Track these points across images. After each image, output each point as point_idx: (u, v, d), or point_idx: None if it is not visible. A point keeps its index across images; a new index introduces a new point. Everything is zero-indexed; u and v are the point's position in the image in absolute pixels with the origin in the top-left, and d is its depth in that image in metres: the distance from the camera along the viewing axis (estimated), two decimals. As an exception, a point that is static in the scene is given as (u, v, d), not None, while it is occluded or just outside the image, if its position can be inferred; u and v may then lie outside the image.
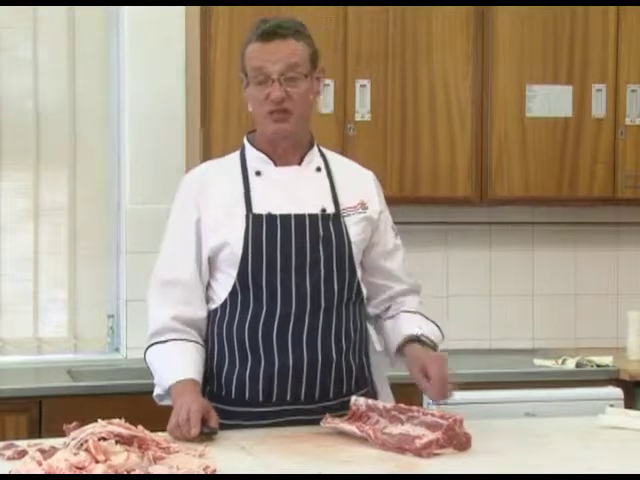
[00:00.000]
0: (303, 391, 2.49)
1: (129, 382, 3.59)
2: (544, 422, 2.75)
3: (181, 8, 4.13)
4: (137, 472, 1.95)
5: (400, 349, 2.59)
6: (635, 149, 4.25)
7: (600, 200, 4.27)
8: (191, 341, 2.53)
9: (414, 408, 2.35)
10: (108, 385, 3.63)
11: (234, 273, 2.48)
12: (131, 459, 1.98)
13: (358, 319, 2.59)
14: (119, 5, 4.18)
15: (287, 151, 2.57)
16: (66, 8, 4.18)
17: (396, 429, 2.26)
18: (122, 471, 1.94)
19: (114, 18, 4.24)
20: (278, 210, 2.50)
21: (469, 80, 4.13)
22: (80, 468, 1.93)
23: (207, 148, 3.91)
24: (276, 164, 2.57)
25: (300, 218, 2.50)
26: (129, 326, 4.12)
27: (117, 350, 4.24)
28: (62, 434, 2.12)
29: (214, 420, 2.32)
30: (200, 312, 2.55)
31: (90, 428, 2.05)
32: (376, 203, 2.63)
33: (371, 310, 2.70)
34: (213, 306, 2.55)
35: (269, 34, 2.49)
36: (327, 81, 3.98)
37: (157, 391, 2.51)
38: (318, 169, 2.59)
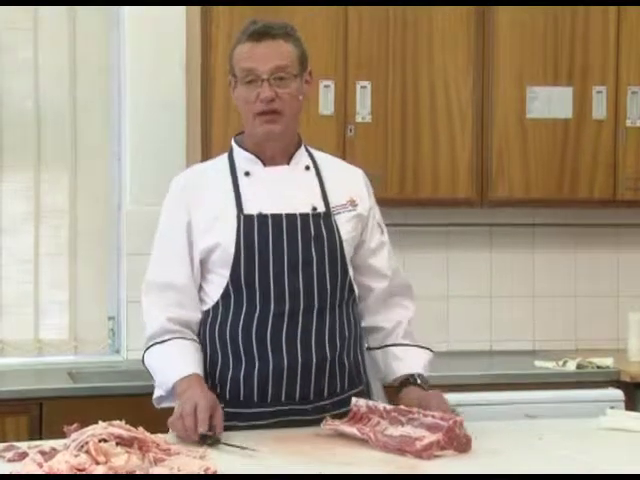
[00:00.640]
0: (298, 391, 2.49)
1: (130, 384, 3.58)
2: (545, 424, 2.74)
3: (182, 9, 4.14)
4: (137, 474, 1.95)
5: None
6: (635, 151, 4.25)
7: (600, 202, 4.27)
8: (189, 339, 2.53)
9: (414, 410, 2.34)
10: (109, 387, 3.63)
11: (227, 274, 2.48)
12: (132, 461, 1.98)
13: (352, 318, 2.59)
14: (119, 5, 4.18)
15: (276, 152, 2.57)
16: (67, 9, 4.18)
17: (397, 431, 2.26)
18: (122, 473, 1.94)
19: (115, 19, 4.24)
20: (269, 210, 2.50)
21: (469, 81, 4.13)
22: (81, 470, 1.93)
23: (208, 149, 3.91)
24: (265, 164, 2.57)
25: (291, 217, 2.51)
26: (129, 328, 4.12)
27: (117, 352, 4.24)
28: (63, 436, 2.12)
29: (219, 420, 2.31)
30: (195, 314, 2.55)
31: (90, 430, 2.05)
32: (366, 200, 2.64)
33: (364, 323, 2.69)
34: (205, 307, 2.55)
35: (259, 34, 2.50)
36: (327, 82, 3.98)
37: (158, 393, 2.51)
38: (307, 168, 2.60)
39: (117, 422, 2.11)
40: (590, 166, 4.22)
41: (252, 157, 2.57)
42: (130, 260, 4.09)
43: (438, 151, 4.11)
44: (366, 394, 2.58)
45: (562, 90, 4.19)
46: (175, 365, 2.47)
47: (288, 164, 2.59)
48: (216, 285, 2.52)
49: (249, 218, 2.50)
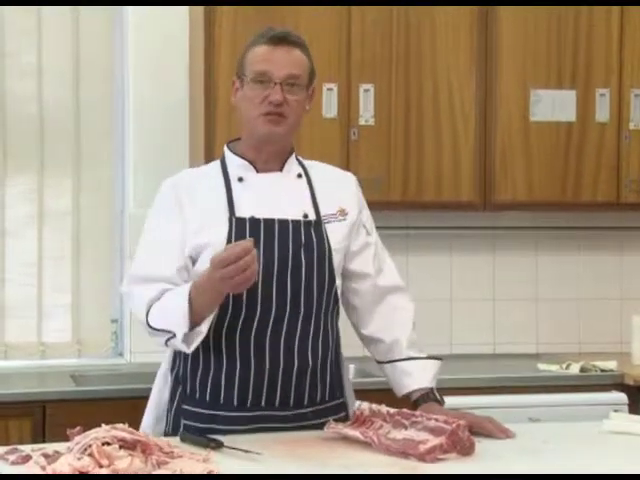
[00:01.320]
0: (278, 396, 2.48)
1: (133, 387, 3.58)
2: (548, 427, 2.75)
3: (185, 9, 4.15)
4: (141, 477, 1.96)
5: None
6: (639, 154, 4.24)
7: (604, 205, 4.27)
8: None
9: (417, 413, 2.34)
10: (112, 390, 3.64)
11: None
12: (135, 464, 1.98)
13: (335, 328, 2.59)
14: (121, 5, 4.18)
15: (270, 157, 2.57)
16: (70, 12, 4.19)
17: (400, 434, 2.26)
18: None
19: (117, 21, 4.25)
20: (261, 214, 2.50)
21: (473, 84, 4.13)
22: (84, 473, 1.93)
23: (211, 151, 3.90)
24: (257, 171, 2.58)
25: (283, 223, 2.51)
26: (133, 331, 4.13)
27: (121, 355, 4.24)
28: (66, 439, 2.12)
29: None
30: None
31: (94, 433, 2.05)
32: (355, 207, 2.63)
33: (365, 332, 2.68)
34: None
35: (278, 39, 2.51)
36: (330, 85, 3.98)
37: (180, 330, 2.39)
38: (299, 176, 2.60)
39: (120, 425, 2.11)
40: (593, 169, 4.22)
41: (245, 163, 2.57)
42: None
43: (441, 154, 4.11)
44: (345, 408, 2.59)
45: (565, 93, 4.19)
46: (179, 293, 2.40)
47: (280, 171, 2.59)
48: None
49: (241, 221, 2.50)
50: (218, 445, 2.23)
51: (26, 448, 2.15)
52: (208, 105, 3.93)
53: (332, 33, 3.95)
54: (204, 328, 2.40)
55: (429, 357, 2.64)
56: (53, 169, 4.21)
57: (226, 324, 2.46)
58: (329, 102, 3.98)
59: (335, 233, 2.56)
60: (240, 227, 2.49)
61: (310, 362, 2.51)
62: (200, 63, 3.98)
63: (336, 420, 2.44)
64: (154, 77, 4.17)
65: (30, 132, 4.18)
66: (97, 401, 3.52)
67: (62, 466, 1.95)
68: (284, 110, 2.49)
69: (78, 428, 2.13)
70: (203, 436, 2.30)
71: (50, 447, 2.12)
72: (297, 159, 2.64)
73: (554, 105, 4.18)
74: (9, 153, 4.18)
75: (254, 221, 2.50)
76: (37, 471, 1.98)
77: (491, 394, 3.77)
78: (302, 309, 2.50)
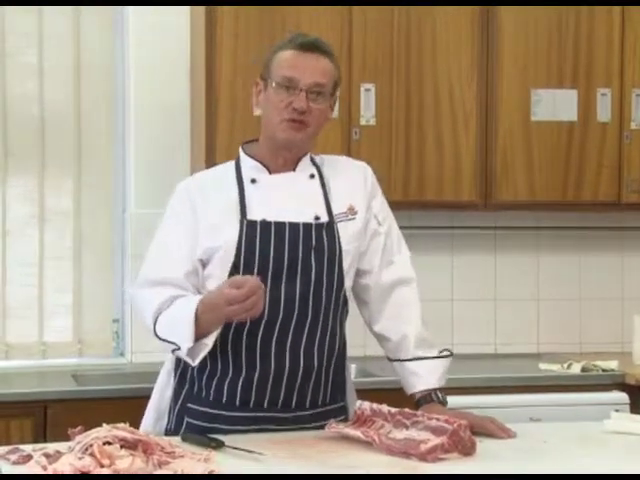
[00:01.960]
0: (281, 397, 2.49)
1: (134, 386, 3.58)
2: (549, 427, 2.74)
3: (186, 10, 4.14)
4: (142, 476, 1.96)
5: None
6: (640, 153, 4.25)
7: (605, 204, 4.27)
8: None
9: (419, 413, 2.35)
10: (113, 389, 3.64)
11: (224, 277, 2.47)
12: (136, 463, 1.98)
13: (342, 332, 2.59)
14: (122, 5, 4.18)
15: (287, 161, 2.57)
16: (71, 12, 4.19)
17: (401, 434, 2.26)
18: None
19: (119, 22, 4.25)
20: (273, 217, 2.50)
21: (474, 84, 4.13)
22: (85, 472, 1.93)
23: (212, 151, 3.91)
24: (270, 172, 2.58)
25: (294, 227, 2.50)
26: (134, 330, 4.13)
27: (122, 354, 4.24)
28: (67, 438, 2.12)
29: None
30: None
31: (95, 432, 2.05)
32: (363, 205, 2.61)
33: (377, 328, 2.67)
34: None
35: (308, 46, 2.50)
36: (332, 85, 3.98)
37: (184, 344, 2.40)
38: (311, 176, 2.60)
39: (121, 425, 2.11)
40: (595, 169, 4.21)
41: (259, 165, 2.57)
42: (134, 263, 4.08)
43: (442, 154, 4.11)
44: (345, 412, 2.59)
45: (566, 93, 4.19)
46: (186, 306, 2.41)
47: (294, 171, 2.59)
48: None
49: (252, 224, 2.50)
50: (219, 445, 2.23)
51: (27, 448, 2.15)
52: (209, 105, 3.93)
53: (333, 33, 3.94)
54: (210, 341, 2.41)
55: (439, 354, 2.62)
56: (54, 169, 4.21)
57: (233, 325, 2.46)
58: (330, 102, 3.98)
59: (346, 233, 2.56)
60: (251, 230, 2.49)
61: (316, 365, 2.51)
62: (201, 63, 3.97)
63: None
64: (155, 77, 4.17)
65: (31, 132, 4.18)
66: (98, 401, 3.52)
67: (63, 466, 1.95)
68: (306, 118, 2.49)
69: (79, 428, 2.13)
70: (204, 436, 2.31)
71: (51, 447, 2.12)
72: (311, 158, 2.63)
73: (555, 105, 4.18)
74: (10, 153, 4.18)
75: (265, 224, 2.49)
76: (38, 471, 1.98)
77: (492, 394, 3.77)
78: (310, 312, 2.50)
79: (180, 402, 2.55)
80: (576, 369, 3.97)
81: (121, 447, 2.02)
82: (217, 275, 2.49)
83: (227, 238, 2.48)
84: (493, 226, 4.48)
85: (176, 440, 2.27)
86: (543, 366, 4.06)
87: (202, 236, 2.51)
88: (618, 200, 4.25)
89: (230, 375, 2.48)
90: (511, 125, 4.16)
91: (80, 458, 1.97)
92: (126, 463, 1.97)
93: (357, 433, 2.30)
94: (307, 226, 2.52)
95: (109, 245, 4.27)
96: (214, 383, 2.50)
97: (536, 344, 4.53)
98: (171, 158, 4.14)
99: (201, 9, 3.96)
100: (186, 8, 4.15)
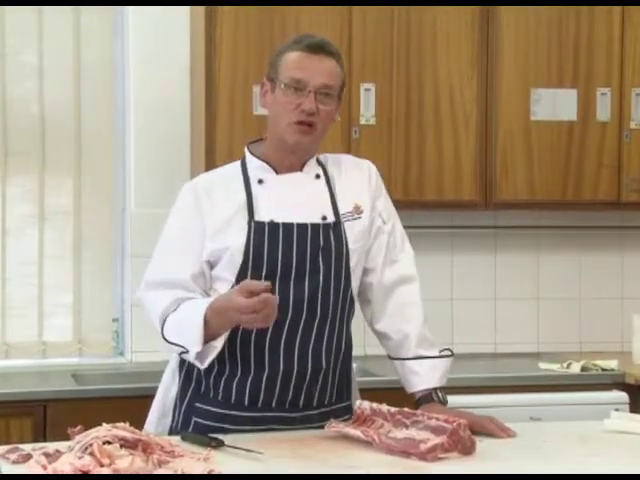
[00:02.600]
0: (289, 398, 2.49)
1: (134, 386, 3.59)
2: (549, 426, 2.74)
3: (186, 9, 4.14)
4: (142, 476, 1.96)
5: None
6: (640, 153, 4.25)
7: (605, 204, 4.26)
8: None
9: (418, 412, 2.35)
10: (113, 389, 3.63)
11: (232, 279, 2.47)
12: (135, 463, 1.98)
13: (349, 331, 2.60)
14: (122, 5, 4.18)
15: (294, 163, 2.57)
16: (72, 12, 4.18)
17: (401, 433, 2.26)
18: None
19: (119, 22, 4.24)
20: (281, 218, 2.50)
21: (474, 83, 4.13)
22: (85, 472, 1.93)
23: (212, 151, 3.91)
24: (277, 172, 2.57)
25: (302, 227, 2.51)
26: (134, 330, 4.13)
27: (122, 354, 4.24)
28: (67, 438, 2.12)
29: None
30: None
31: (94, 432, 2.05)
32: (368, 203, 2.61)
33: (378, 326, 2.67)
34: None
35: (317, 47, 2.51)
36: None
37: (193, 348, 2.41)
38: (317, 176, 2.60)
39: (121, 424, 2.11)
40: (594, 168, 4.21)
41: (265, 165, 2.57)
42: (134, 262, 4.09)
43: (442, 153, 4.11)
44: (350, 411, 2.58)
45: (566, 92, 4.19)
46: (195, 310, 2.40)
47: (301, 171, 2.59)
48: (221, 291, 2.49)
49: (260, 225, 2.50)
50: (219, 444, 2.23)
51: (27, 447, 2.16)
52: (209, 104, 3.93)
53: (333, 33, 3.93)
54: (218, 344, 2.41)
55: (440, 353, 2.62)
56: (54, 169, 4.21)
57: (241, 328, 2.45)
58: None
59: (352, 232, 2.56)
60: (259, 231, 2.49)
61: (324, 365, 2.52)
62: (201, 62, 3.97)
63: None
64: (155, 77, 4.17)
65: (31, 132, 4.18)
66: (98, 400, 3.52)
67: (63, 465, 1.95)
68: (314, 120, 2.48)
69: (79, 427, 2.13)
70: (204, 435, 2.31)
71: (51, 446, 2.12)
72: (317, 160, 2.63)
73: (555, 104, 4.18)
74: (10, 153, 4.17)
75: (273, 225, 2.50)
76: (38, 470, 1.98)
77: (492, 393, 3.77)
78: (319, 313, 2.50)
79: (187, 401, 2.55)
80: (576, 368, 3.97)
81: (121, 446, 2.02)
82: (225, 277, 2.49)
83: (235, 240, 2.48)
84: (493, 225, 4.47)
85: (176, 439, 2.27)
86: (543, 365, 4.06)
87: (209, 238, 2.51)
88: (618, 199, 4.25)
89: (238, 375, 2.49)
90: (511, 125, 4.16)
91: (80, 457, 1.97)
92: (126, 462, 1.97)
93: (357, 432, 2.30)
94: (315, 227, 2.52)
95: (109, 244, 4.27)
96: (222, 383, 2.50)
97: (536, 343, 4.53)
98: (171, 157, 4.14)
99: (201, 9, 3.96)
100: (186, 8, 4.15)
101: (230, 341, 2.47)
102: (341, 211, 2.57)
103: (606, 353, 4.28)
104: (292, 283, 2.48)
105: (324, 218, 2.54)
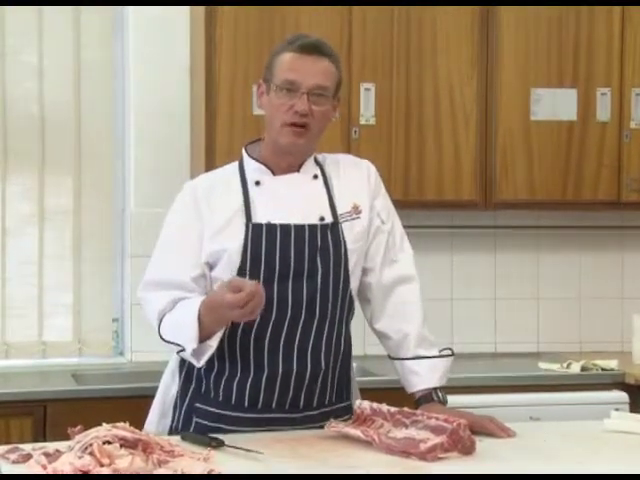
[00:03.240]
0: (289, 399, 2.50)
1: (134, 386, 3.59)
2: (549, 426, 2.74)
3: (185, 10, 4.14)
4: (141, 476, 1.96)
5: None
6: (640, 153, 4.25)
7: (605, 204, 4.26)
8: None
9: (418, 412, 2.35)
10: (113, 389, 3.64)
11: None
12: (135, 463, 1.98)
13: (348, 332, 2.60)
14: (122, 5, 4.18)
15: (291, 164, 2.57)
16: (72, 12, 4.19)
17: (400, 433, 2.26)
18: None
19: (119, 22, 4.25)
20: (278, 220, 2.50)
21: (474, 83, 4.13)
22: (85, 472, 1.93)
23: (211, 151, 3.91)
24: (274, 174, 2.57)
25: (300, 229, 2.51)
26: (134, 330, 4.13)
27: (121, 354, 4.24)
28: (67, 437, 2.12)
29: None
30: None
31: (94, 432, 2.06)
32: (367, 202, 2.61)
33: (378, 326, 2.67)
34: None
35: (310, 48, 2.50)
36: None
37: (189, 345, 2.42)
38: (315, 177, 2.60)
39: (121, 424, 2.11)
40: (594, 168, 4.21)
41: (262, 167, 2.57)
42: (134, 262, 4.09)
43: (442, 153, 4.11)
44: (350, 410, 2.57)
45: (566, 92, 4.19)
46: (189, 308, 2.41)
47: (298, 171, 2.59)
48: None
49: (258, 227, 2.50)
50: (219, 444, 2.23)
51: (27, 447, 2.16)
52: (209, 104, 3.93)
53: (333, 33, 3.94)
54: (214, 342, 2.42)
55: (440, 353, 2.62)
56: (54, 168, 4.21)
57: (241, 328, 2.46)
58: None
59: (351, 233, 2.56)
60: (256, 233, 2.49)
61: (323, 366, 2.52)
62: (201, 63, 3.97)
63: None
64: (155, 77, 4.17)
65: (31, 131, 4.18)
66: (98, 400, 3.52)
67: (63, 465, 1.95)
68: (308, 121, 2.48)
69: (79, 427, 2.13)
70: (204, 435, 2.31)
71: (51, 446, 2.12)
72: (315, 159, 2.63)
73: (555, 104, 4.18)
74: (10, 152, 4.17)
75: (270, 227, 2.50)
76: (38, 470, 1.98)
77: (492, 393, 3.77)
78: (317, 314, 2.50)
79: (187, 401, 2.55)
80: (576, 368, 3.97)
81: (121, 446, 2.03)
82: (224, 278, 2.48)
83: (233, 242, 2.48)
84: (493, 225, 4.47)
85: (176, 439, 2.27)
86: (543, 365, 4.06)
87: (208, 240, 2.51)
88: (618, 199, 4.25)
89: (238, 376, 2.49)
90: (511, 124, 4.16)
91: (80, 457, 1.97)
92: (126, 462, 1.97)
93: (357, 432, 2.30)
94: (312, 228, 2.52)
95: (109, 244, 4.27)
96: (222, 384, 2.50)
97: (536, 343, 4.53)
98: (171, 157, 4.15)
99: (201, 9, 3.96)
100: (186, 8, 4.15)
101: (230, 341, 2.48)
102: (340, 211, 2.57)
103: (606, 353, 4.28)
104: (290, 284, 2.48)
105: (322, 219, 2.54)
